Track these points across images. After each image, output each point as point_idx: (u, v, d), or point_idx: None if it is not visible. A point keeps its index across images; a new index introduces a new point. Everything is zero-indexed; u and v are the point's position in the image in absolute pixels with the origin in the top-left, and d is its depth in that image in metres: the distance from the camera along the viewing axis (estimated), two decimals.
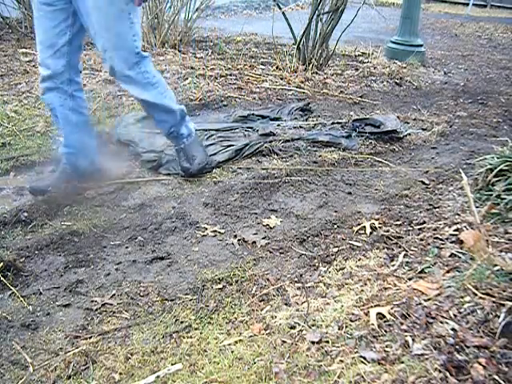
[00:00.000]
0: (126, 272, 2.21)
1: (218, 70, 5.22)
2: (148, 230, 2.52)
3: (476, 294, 1.79)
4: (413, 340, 1.68)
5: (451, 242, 2.24)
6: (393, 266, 2.17)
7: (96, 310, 1.97)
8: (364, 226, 2.55)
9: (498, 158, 2.63)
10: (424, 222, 2.53)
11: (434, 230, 2.41)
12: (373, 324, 1.78)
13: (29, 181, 2.88)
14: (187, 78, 4.81)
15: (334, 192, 3.02)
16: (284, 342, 1.77)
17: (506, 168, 2.52)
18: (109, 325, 1.90)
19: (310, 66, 5.48)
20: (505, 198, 2.38)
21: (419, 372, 1.55)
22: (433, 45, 8.39)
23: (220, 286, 2.12)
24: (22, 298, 1.99)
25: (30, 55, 5.23)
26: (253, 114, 4.13)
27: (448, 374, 1.53)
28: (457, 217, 2.47)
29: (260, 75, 5.26)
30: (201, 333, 1.85)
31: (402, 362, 1.60)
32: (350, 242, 2.44)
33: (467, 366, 1.54)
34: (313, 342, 1.75)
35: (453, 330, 1.68)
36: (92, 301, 2.01)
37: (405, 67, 6.21)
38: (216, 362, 1.70)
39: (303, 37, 5.49)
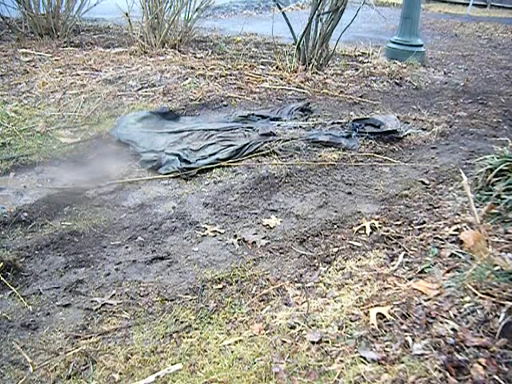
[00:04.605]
0: (126, 272, 2.21)
1: (218, 69, 5.22)
2: (148, 230, 2.52)
3: (476, 294, 1.79)
4: (413, 340, 1.68)
5: (451, 242, 2.24)
6: (393, 266, 2.17)
7: (96, 310, 1.97)
8: (364, 226, 2.55)
9: (497, 158, 2.63)
10: (424, 222, 2.53)
11: (434, 229, 2.41)
12: (373, 324, 1.78)
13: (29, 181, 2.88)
14: (187, 78, 4.81)
15: (334, 192, 3.02)
16: (284, 341, 1.77)
17: (506, 168, 2.52)
18: (109, 325, 1.90)
19: (310, 66, 5.48)
20: (505, 198, 2.38)
21: (419, 372, 1.55)
22: (433, 45, 8.39)
23: (220, 286, 2.12)
24: (21, 298, 1.99)
25: (30, 55, 5.23)
26: (253, 114, 4.13)
27: (448, 373, 1.53)
28: (457, 217, 2.47)
29: (260, 75, 5.26)
30: (201, 333, 1.85)
31: (402, 362, 1.60)
32: (350, 242, 2.44)
33: (467, 365, 1.54)
34: (313, 342, 1.75)
35: (453, 330, 1.68)
36: (92, 301, 2.01)
37: (405, 67, 6.21)
38: (216, 362, 1.70)
39: (303, 37, 5.49)
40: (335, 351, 1.70)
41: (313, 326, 1.84)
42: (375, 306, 1.87)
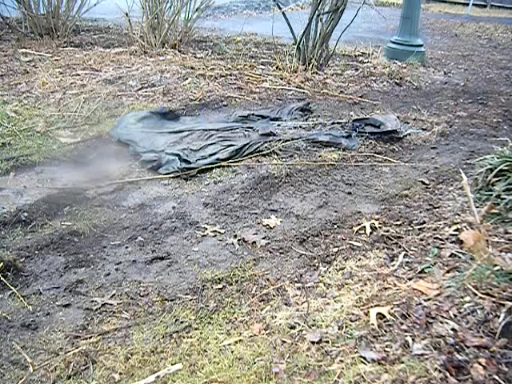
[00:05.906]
0: (126, 272, 2.21)
1: (218, 69, 5.22)
2: (148, 230, 2.52)
3: (476, 294, 1.79)
4: (413, 340, 1.68)
5: (451, 242, 2.24)
6: (393, 265, 2.17)
7: (96, 310, 1.97)
8: (364, 226, 2.55)
9: (498, 158, 2.63)
10: (424, 222, 2.53)
11: (434, 229, 2.41)
12: (373, 324, 1.78)
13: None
14: (187, 78, 4.81)
15: (334, 192, 3.02)
16: (284, 341, 1.77)
17: (506, 168, 2.52)
18: (109, 325, 1.90)
19: (310, 66, 5.48)
20: (505, 198, 2.38)
21: (419, 372, 1.55)
22: (433, 45, 8.39)
23: (220, 286, 2.12)
24: (21, 298, 1.99)
25: (30, 55, 5.23)
26: (253, 114, 4.13)
27: (448, 373, 1.52)
28: (457, 217, 2.47)
29: (260, 75, 5.26)
30: (201, 333, 1.85)
31: (402, 362, 1.60)
32: (350, 242, 2.44)
33: (467, 365, 1.54)
34: (313, 342, 1.75)
35: (453, 330, 1.68)
36: (92, 301, 2.01)
37: (405, 67, 6.21)
38: (216, 362, 1.70)
39: (303, 37, 5.49)
40: (335, 351, 1.70)
41: (313, 325, 1.84)
42: (375, 306, 1.87)
